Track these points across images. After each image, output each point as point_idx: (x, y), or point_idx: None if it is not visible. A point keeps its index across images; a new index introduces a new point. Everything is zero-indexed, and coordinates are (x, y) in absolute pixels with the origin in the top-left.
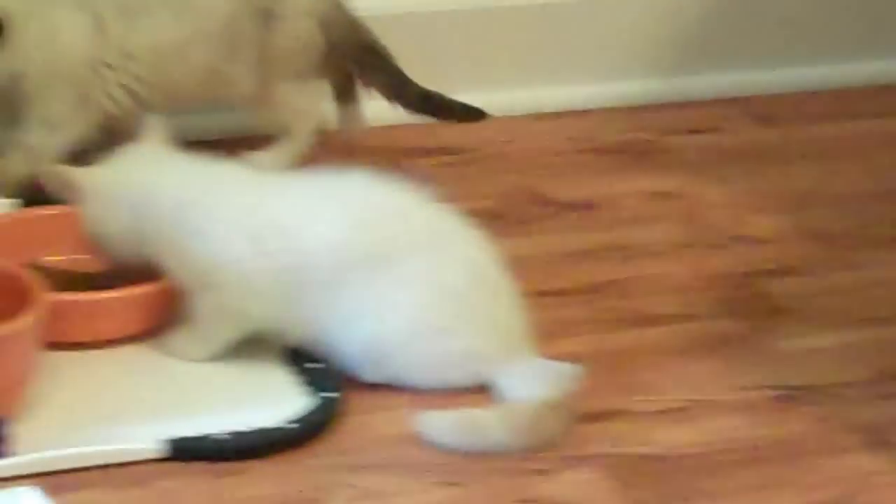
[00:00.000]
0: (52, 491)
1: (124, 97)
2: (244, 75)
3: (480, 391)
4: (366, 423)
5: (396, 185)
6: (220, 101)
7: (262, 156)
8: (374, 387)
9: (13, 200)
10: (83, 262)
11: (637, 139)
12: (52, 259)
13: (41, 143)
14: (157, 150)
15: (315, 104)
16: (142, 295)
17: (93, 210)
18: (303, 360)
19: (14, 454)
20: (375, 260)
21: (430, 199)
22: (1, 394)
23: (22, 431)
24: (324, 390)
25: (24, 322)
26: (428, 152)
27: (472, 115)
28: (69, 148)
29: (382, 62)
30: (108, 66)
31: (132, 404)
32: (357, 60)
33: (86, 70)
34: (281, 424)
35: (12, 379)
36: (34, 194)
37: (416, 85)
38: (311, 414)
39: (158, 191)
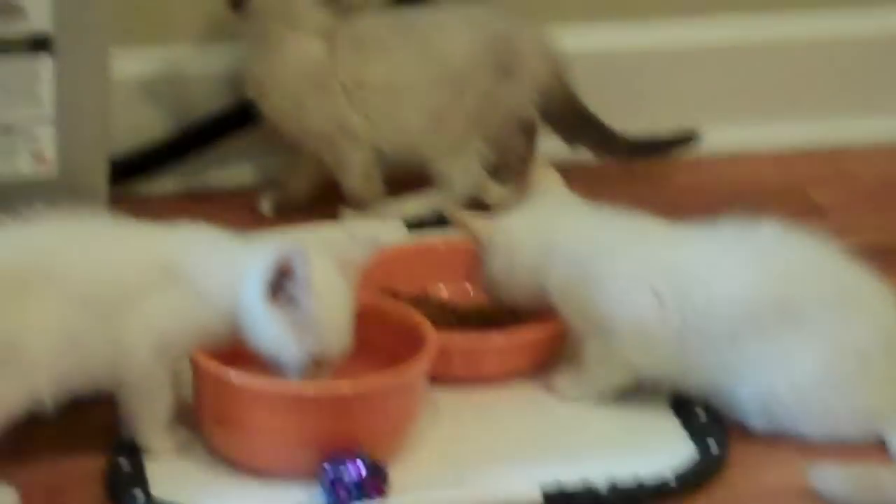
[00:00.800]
0: None
1: (353, 121)
2: (456, 125)
3: (871, 445)
4: (751, 474)
5: (802, 237)
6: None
7: (404, 202)
8: (758, 436)
9: (403, 228)
10: (470, 293)
11: None
12: (440, 290)
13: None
14: (560, 202)
15: (478, 167)
16: (532, 337)
17: (495, 258)
18: (689, 407)
19: (390, 495)
20: (781, 314)
21: (836, 252)
22: (385, 437)
23: (399, 471)
24: (709, 441)
25: (416, 369)
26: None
27: (683, 141)
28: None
29: (590, 126)
30: (341, 84)
31: (511, 446)
32: (568, 128)
33: (312, 84)
34: (662, 475)
35: (398, 423)
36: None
37: (621, 137)
38: (695, 466)
39: (562, 242)
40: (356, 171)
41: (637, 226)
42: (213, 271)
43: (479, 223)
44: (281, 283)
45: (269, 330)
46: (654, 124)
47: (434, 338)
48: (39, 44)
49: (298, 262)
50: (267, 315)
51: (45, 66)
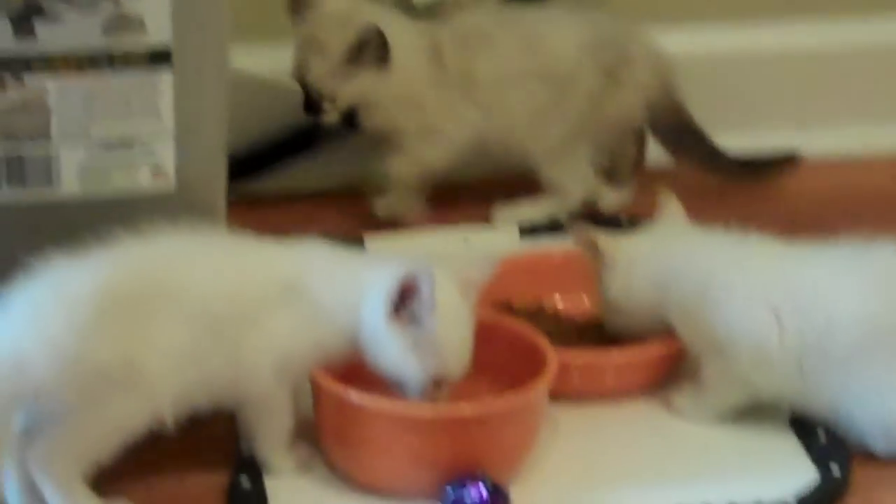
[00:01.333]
0: None
1: (471, 116)
2: (560, 126)
3: None
4: (874, 499)
5: None
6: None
7: (518, 207)
8: (880, 459)
9: (517, 235)
10: (586, 305)
11: None
12: (556, 301)
13: (420, 152)
14: (679, 225)
15: (590, 173)
16: (651, 353)
17: (615, 278)
18: (810, 429)
19: None
20: None
21: None
22: (507, 458)
23: (520, 493)
24: (831, 464)
25: (538, 390)
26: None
27: (786, 161)
28: (448, 159)
29: (697, 140)
30: (448, 87)
31: (631, 467)
32: (673, 141)
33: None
34: (784, 499)
35: (520, 444)
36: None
37: (727, 155)
38: (817, 490)
39: (681, 263)
40: (434, 165)
41: (755, 245)
42: (335, 289)
43: (604, 240)
44: (405, 303)
45: (391, 349)
46: (757, 129)
47: (554, 357)
48: (159, 57)
49: (424, 281)
50: (389, 334)
51: (165, 80)
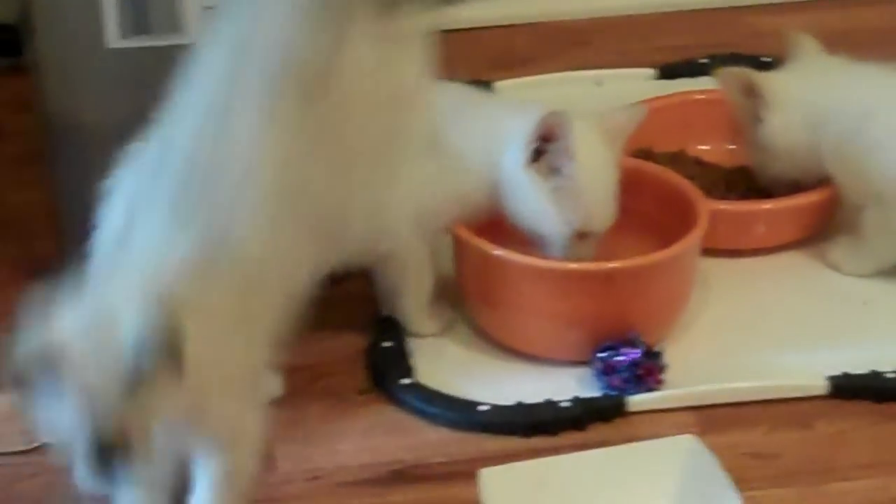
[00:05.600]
0: (702, 427)
1: None
2: None
3: None
4: None
5: None
6: None
7: None
8: None
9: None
10: (731, 153)
11: None
12: (700, 149)
13: None
14: (834, 60)
15: None
16: (804, 202)
17: (772, 117)
18: None
19: (665, 382)
20: None
21: None
22: (659, 318)
23: (673, 356)
24: None
25: (690, 244)
26: None
27: None
28: None
29: None
30: None
31: (788, 328)
32: None
33: None
34: None
35: (671, 303)
36: None
37: None
38: None
39: (838, 101)
40: None
41: None
42: (474, 136)
43: (759, 76)
44: (543, 151)
45: (531, 200)
46: None
47: (706, 208)
48: None
49: (563, 128)
50: (528, 184)
51: None
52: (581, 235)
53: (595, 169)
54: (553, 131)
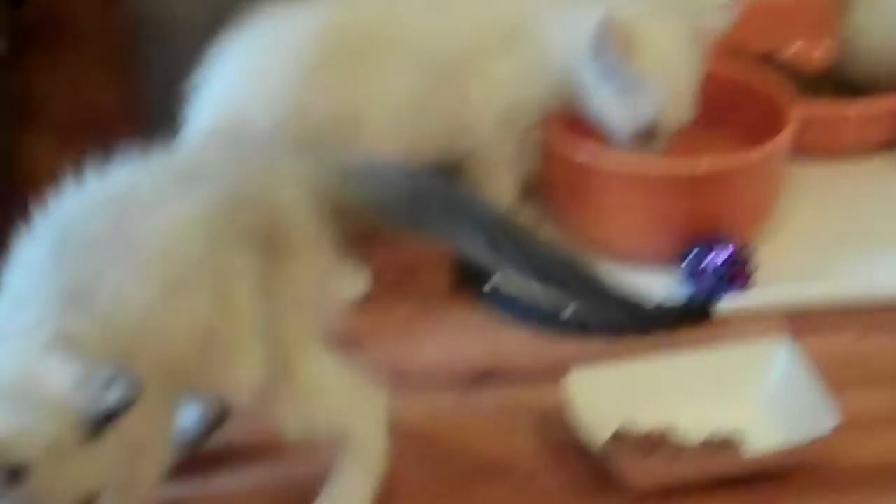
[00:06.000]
0: (793, 331)
1: None
2: None
3: None
4: None
5: None
6: None
7: None
8: None
9: None
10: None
11: None
12: (791, 50)
13: None
14: None
15: None
16: (889, 105)
17: (866, 14)
18: None
19: (755, 285)
20: None
21: None
22: (748, 219)
23: (764, 259)
24: None
25: (778, 145)
26: None
27: None
28: None
29: None
30: None
31: (878, 233)
32: None
33: None
34: None
35: (761, 204)
36: None
37: None
38: None
39: None
40: None
41: None
42: (554, 34)
43: None
44: (609, 47)
45: (598, 96)
46: None
47: (794, 110)
48: None
49: (628, 25)
50: (595, 79)
51: None
52: (650, 133)
53: (667, 66)
54: (618, 29)
